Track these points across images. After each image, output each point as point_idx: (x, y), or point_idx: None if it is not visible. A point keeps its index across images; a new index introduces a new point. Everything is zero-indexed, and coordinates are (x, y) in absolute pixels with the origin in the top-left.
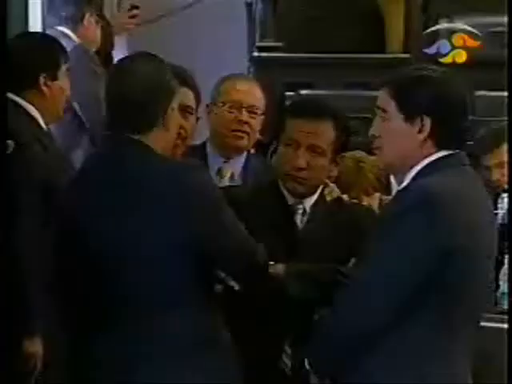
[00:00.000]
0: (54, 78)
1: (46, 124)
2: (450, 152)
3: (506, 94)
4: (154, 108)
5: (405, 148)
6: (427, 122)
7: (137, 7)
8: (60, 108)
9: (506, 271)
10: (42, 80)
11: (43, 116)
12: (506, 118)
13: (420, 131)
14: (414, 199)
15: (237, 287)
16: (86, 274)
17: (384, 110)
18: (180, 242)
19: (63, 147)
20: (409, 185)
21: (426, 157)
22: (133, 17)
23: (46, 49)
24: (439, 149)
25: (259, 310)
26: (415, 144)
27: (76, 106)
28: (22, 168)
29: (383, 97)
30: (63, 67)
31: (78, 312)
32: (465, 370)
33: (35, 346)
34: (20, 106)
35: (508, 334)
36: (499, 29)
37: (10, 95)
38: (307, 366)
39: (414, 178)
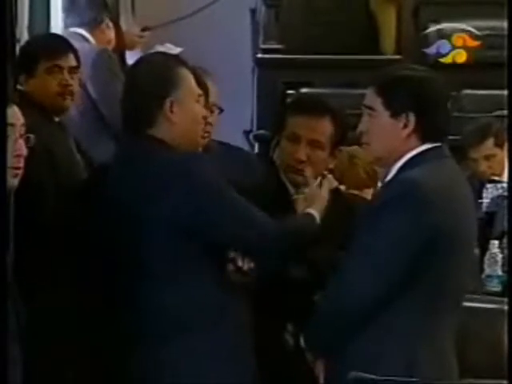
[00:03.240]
0: (32, 75)
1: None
2: (433, 145)
3: (492, 92)
4: (148, 102)
5: (391, 142)
6: (411, 117)
7: (148, 29)
8: (49, 102)
9: (491, 256)
10: (21, 79)
11: (46, 108)
12: (491, 115)
13: (405, 126)
14: (400, 190)
15: (245, 267)
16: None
17: (371, 108)
18: (186, 225)
19: (87, 144)
20: (395, 177)
21: (410, 150)
22: (140, 36)
23: (22, 48)
24: (423, 143)
25: (263, 291)
26: (400, 138)
27: (101, 107)
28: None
29: (370, 95)
30: (42, 64)
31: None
32: (451, 354)
33: None
34: (28, 98)
35: (508, 330)
36: (487, 32)
37: (20, 87)
38: (302, 344)
39: (399, 171)
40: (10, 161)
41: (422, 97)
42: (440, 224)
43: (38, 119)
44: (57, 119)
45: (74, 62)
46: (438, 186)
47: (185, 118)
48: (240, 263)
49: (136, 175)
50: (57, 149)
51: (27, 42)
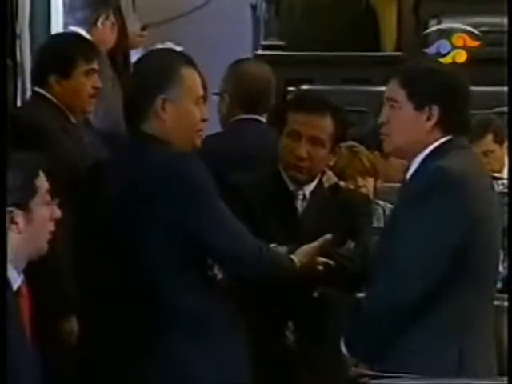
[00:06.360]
0: (67, 77)
1: (76, 117)
2: (454, 136)
3: (492, 89)
4: (141, 96)
5: (413, 134)
6: (435, 110)
7: (147, 27)
8: (80, 104)
9: None
10: (51, 79)
11: (69, 110)
12: (491, 111)
13: (428, 119)
14: (435, 179)
15: (219, 276)
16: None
17: (394, 100)
18: (167, 227)
19: None
20: (421, 167)
21: (432, 142)
22: (141, 36)
23: (57, 49)
24: (445, 135)
25: (262, 289)
26: (423, 131)
27: None
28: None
29: (393, 87)
30: (82, 67)
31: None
32: (492, 345)
33: (72, 326)
34: (49, 100)
35: (508, 327)
36: (487, 29)
37: (38, 89)
38: (344, 351)
39: (422, 162)
40: None
41: (447, 90)
42: (478, 211)
43: (58, 122)
44: (74, 121)
45: (97, 65)
46: (468, 175)
47: (178, 118)
48: (216, 271)
49: (127, 172)
50: (74, 150)
51: (60, 42)
